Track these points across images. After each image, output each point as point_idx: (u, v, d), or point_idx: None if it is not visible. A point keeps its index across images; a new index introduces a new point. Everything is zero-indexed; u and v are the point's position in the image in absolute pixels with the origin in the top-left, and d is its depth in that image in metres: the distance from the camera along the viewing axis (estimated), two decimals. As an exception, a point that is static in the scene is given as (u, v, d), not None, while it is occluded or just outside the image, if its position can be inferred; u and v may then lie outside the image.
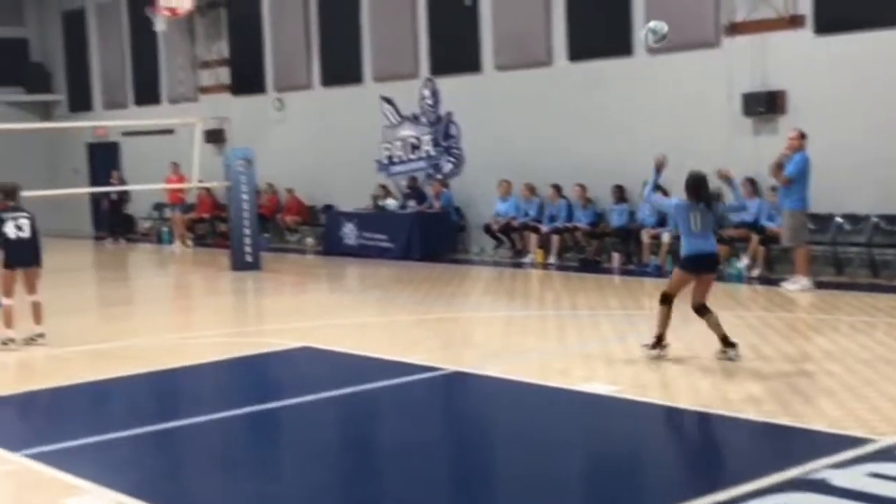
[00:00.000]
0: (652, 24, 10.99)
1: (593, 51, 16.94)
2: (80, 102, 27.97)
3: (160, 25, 22.92)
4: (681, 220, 9.54)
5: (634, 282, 14.85)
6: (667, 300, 9.49)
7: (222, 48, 23.58)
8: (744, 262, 14.57)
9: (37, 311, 11.52)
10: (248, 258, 17.95)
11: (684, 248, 9.53)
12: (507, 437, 7.70)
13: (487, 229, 18.14)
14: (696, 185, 9.45)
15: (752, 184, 14.61)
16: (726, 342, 9.39)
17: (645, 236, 15.78)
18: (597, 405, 8.31)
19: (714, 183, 9.73)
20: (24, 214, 11.42)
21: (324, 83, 21.55)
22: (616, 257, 16.27)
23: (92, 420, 8.66)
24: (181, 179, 22.13)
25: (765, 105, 14.82)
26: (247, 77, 23.02)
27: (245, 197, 18.00)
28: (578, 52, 17.21)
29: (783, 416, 7.50)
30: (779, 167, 13.41)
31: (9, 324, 11.32)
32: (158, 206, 25.08)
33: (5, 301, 11.35)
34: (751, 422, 7.48)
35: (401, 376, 9.47)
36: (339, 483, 6.69)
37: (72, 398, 9.40)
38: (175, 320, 14.02)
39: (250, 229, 18.03)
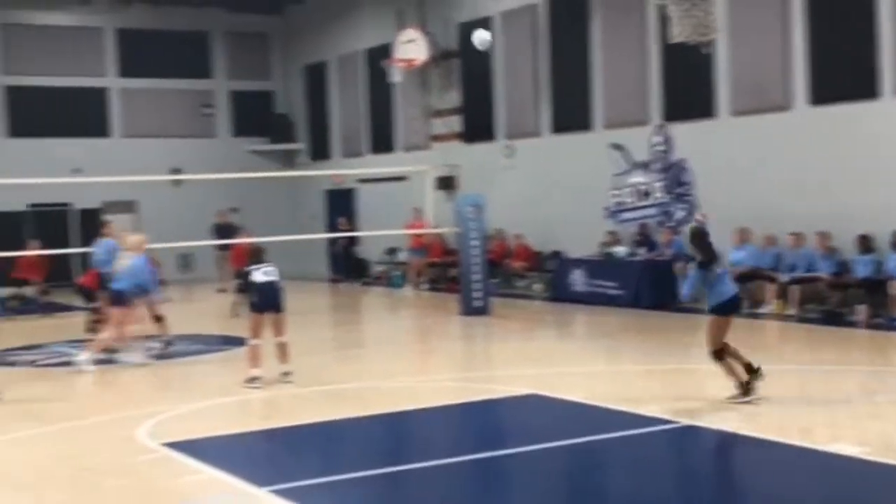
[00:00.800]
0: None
1: (836, 94, 16.24)
2: (319, 151, 29.25)
3: (396, 77, 23.69)
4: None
5: (882, 336, 14.02)
6: None
7: (454, 97, 24.11)
8: None
9: (283, 351, 12.06)
10: (478, 303, 18.14)
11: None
12: (744, 499, 7.37)
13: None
14: None
15: None
16: None
17: (894, 288, 14.88)
18: (843, 468, 7.83)
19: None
20: (270, 263, 12.09)
21: (553, 130, 21.64)
22: (862, 310, 15.39)
23: (331, 459, 8.92)
24: (423, 225, 22.64)
25: None
26: (478, 125, 23.43)
27: (475, 243, 18.26)
28: (820, 95, 16.54)
29: None
30: None
31: (256, 363, 11.86)
32: (391, 251, 25.79)
33: (253, 341, 11.93)
34: None
35: (631, 428, 9.26)
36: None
37: (312, 437, 9.72)
38: (407, 363, 14.29)
39: (480, 275, 18.24)
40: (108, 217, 20.13)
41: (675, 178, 19.00)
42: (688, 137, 18.67)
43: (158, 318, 14.63)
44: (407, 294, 23.14)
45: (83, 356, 13.48)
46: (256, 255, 12.28)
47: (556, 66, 21.46)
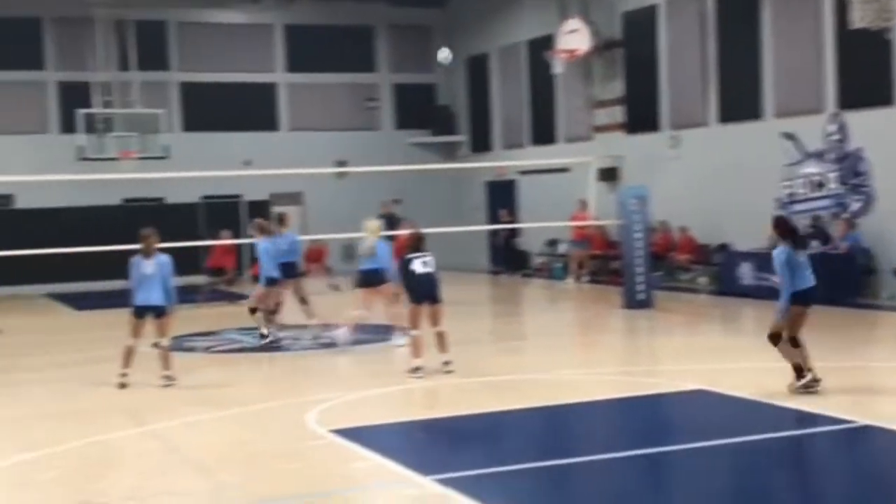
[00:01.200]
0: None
1: None
2: (480, 143, 29.36)
3: (558, 68, 23.54)
4: None
5: None
6: None
7: (617, 87, 23.80)
8: None
9: (442, 341, 12.15)
10: (640, 296, 17.87)
11: None
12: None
13: (900, 273, 16.84)
14: None
15: None
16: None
17: None
18: None
19: None
20: (428, 253, 12.18)
21: (720, 119, 21.09)
22: None
23: (492, 450, 8.92)
24: (586, 217, 22.43)
25: None
26: (641, 115, 23.07)
27: (638, 235, 17.99)
28: None
29: None
30: None
31: (417, 353, 12.00)
32: (552, 243, 25.68)
33: (413, 332, 12.06)
34: None
35: (803, 427, 8.95)
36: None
37: (475, 427, 9.75)
38: (568, 356, 14.19)
39: (643, 267, 17.97)
40: (281, 210, 20.61)
41: (851, 168, 18.24)
42: (865, 126, 17.89)
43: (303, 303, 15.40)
44: (568, 286, 22.99)
45: (341, 333, 14.28)
46: (417, 242, 12.34)
47: (724, 54, 20.91)
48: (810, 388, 10.15)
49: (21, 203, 26.10)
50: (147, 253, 11.84)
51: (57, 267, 19.48)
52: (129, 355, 11.79)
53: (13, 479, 8.05)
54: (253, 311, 15.24)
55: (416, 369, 11.88)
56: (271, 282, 15.05)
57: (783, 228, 10.68)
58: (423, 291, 12.01)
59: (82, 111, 24.36)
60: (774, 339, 10.43)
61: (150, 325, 11.83)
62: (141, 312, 11.80)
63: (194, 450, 8.83)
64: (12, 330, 17.44)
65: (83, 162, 23.72)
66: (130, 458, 8.77)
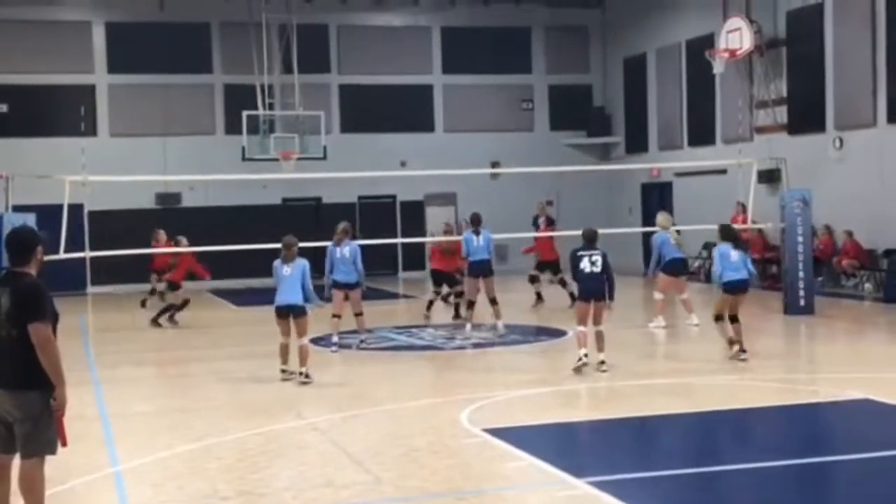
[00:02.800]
0: None
1: None
2: (636, 144, 29.01)
3: (719, 67, 23.04)
4: None
5: None
6: None
7: (780, 87, 23.14)
8: None
9: (601, 340, 12.37)
10: (801, 302, 17.35)
11: None
12: None
13: None
14: None
15: None
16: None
17: None
18: None
19: None
20: (598, 252, 12.29)
21: (890, 120, 20.26)
22: None
23: (647, 454, 8.85)
24: (744, 220, 21.92)
25: None
26: (805, 116, 22.36)
27: (800, 239, 17.50)
28: None
29: None
30: None
31: (583, 345, 12.10)
32: (707, 245, 25.13)
33: (579, 328, 12.26)
34: None
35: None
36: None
37: (628, 431, 9.68)
38: (726, 361, 13.83)
39: (804, 272, 17.45)
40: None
41: None
42: None
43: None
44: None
45: (655, 324, 16.06)
46: (589, 238, 12.49)
47: (894, 53, 20.07)
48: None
49: (188, 202, 27.18)
50: (287, 259, 12.34)
51: (219, 264, 20.14)
52: (284, 352, 12.28)
53: (182, 468, 8.40)
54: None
55: (580, 361, 12.03)
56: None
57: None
58: (588, 290, 12.29)
59: (246, 113, 25.19)
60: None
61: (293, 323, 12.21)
62: (281, 312, 12.29)
63: (351, 444, 9.02)
64: (180, 324, 18.17)
65: (246, 162, 24.54)
66: (291, 450, 9.03)
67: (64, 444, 6.45)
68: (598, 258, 12.26)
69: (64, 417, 6.36)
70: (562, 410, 10.67)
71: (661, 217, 16.96)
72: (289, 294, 12.21)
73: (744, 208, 21.86)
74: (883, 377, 11.57)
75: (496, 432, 9.17)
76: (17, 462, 6.48)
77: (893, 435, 9.07)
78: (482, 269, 15.80)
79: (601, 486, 7.37)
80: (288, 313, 12.24)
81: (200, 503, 7.35)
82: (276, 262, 12.45)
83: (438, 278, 18.19)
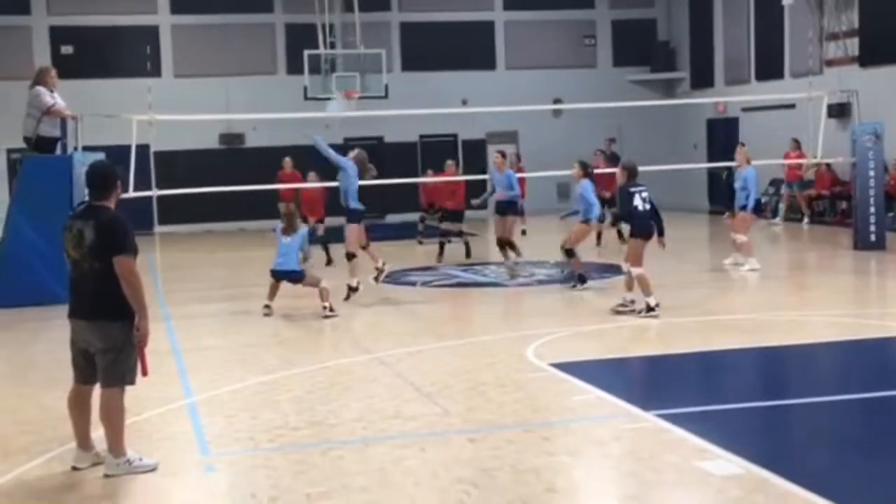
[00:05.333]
0: None
1: None
2: (701, 79, 28.51)
3: (788, -1, 22.49)
4: None
5: None
6: None
7: (852, 18, 22.53)
8: None
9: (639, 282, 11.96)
10: (872, 237, 17.06)
11: None
12: None
13: None
14: None
15: None
16: None
17: None
18: None
19: None
20: (645, 187, 12.02)
21: (966, 51, 19.69)
22: None
23: (712, 388, 8.85)
24: (800, 156, 21.59)
25: None
26: (877, 48, 21.77)
27: (871, 174, 17.16)
28: None
29: None
30: None
31: (648, 290, 11.79)
32: (774, 182, 24.76)
33: (635, 270, 11.89)
34: None
35: None
36: None
37: (693, 365, 9.66)
38: (792, 297, 13.73)
39: (875, 207, 17.12)
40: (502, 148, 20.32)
41: None
42: None
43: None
44: (790, 227, 22.17)
45: (749, 266, 15.18)
46: (633, 173, 12.10)
47: (971, -20, 19.43)
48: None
49: (251, 142, 27.35)
50: (289, 231, 12.71)
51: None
52: (326, 295, 12.55)
53: (253, 400, 8.55)
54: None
55: (651, 308, 11.66)
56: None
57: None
58: (645, 227, 11.95)
59: (308, 52, 25.16)
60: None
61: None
62: (278, 276, 12.72)
63: (418, 377, 9.10)
64: (241, 261, 18.35)
65: (308, 101, 24.56)
66: (359, 383, 9.14)
67: (145, 373, 6.60)
68: (646, 193, 11.94)
69: (146, 348, 6.52)
70: (626, 345, 10.64)
71: (745, 150, 15.95)
72: (288, 260, 12.62)
73: (798, 144, 21.51)
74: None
75: (562, 366, 9.19)
76: (97, 392, 6.65)
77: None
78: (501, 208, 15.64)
79: (669, 418, 7.36)
80: (283, 278, 12.68)
81: (273, 433, 7.47)
82: (277, 228, 12.93)
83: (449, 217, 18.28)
